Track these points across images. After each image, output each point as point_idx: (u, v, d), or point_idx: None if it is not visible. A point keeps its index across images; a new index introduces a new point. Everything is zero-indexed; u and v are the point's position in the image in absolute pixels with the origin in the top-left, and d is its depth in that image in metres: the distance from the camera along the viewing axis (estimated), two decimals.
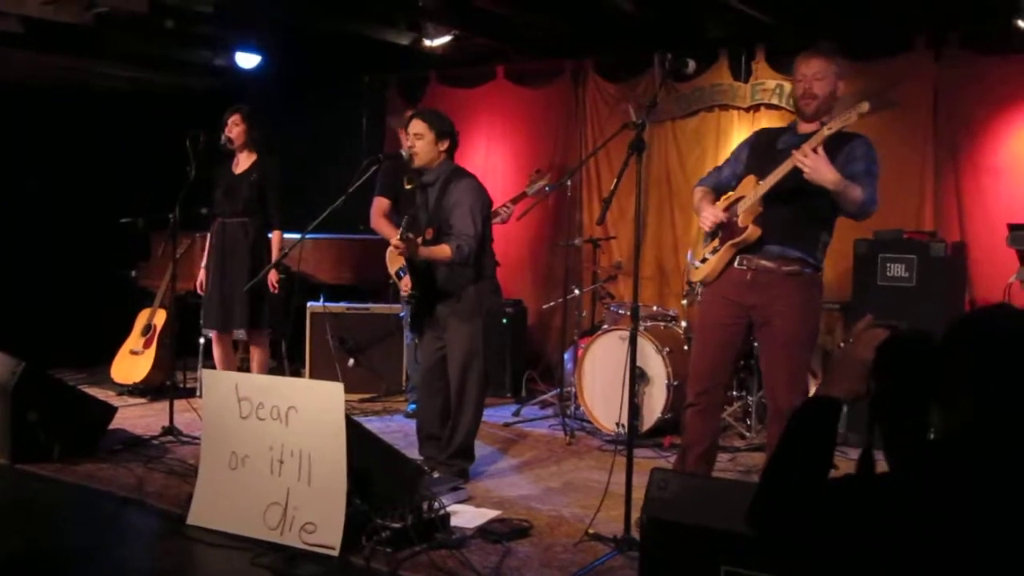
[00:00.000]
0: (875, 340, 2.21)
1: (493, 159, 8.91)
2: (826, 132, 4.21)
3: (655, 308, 7.19)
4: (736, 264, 4.55)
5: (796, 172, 4.25)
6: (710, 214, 4.61)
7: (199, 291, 6.79)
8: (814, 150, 4.17)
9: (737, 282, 4.54)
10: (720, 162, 5.01)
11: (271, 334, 7.05)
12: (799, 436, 2.25)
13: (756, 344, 4.87)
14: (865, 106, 4.15)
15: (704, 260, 4.68)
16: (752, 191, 4.48)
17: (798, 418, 2.29)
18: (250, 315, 6.54)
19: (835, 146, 4.31)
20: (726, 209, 4.60)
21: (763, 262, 4.49)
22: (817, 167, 4.17)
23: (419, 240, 5.15)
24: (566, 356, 7.39)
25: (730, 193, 4.69)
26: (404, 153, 5.30)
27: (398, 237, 4.99)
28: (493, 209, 6.51)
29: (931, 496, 1.94)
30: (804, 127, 4.53)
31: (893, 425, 2.16)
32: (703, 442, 4.67)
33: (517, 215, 7.31)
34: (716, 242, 4.62)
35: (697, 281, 4.79)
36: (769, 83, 7.62)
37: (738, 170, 4.73)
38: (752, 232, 4.45)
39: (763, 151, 4.63)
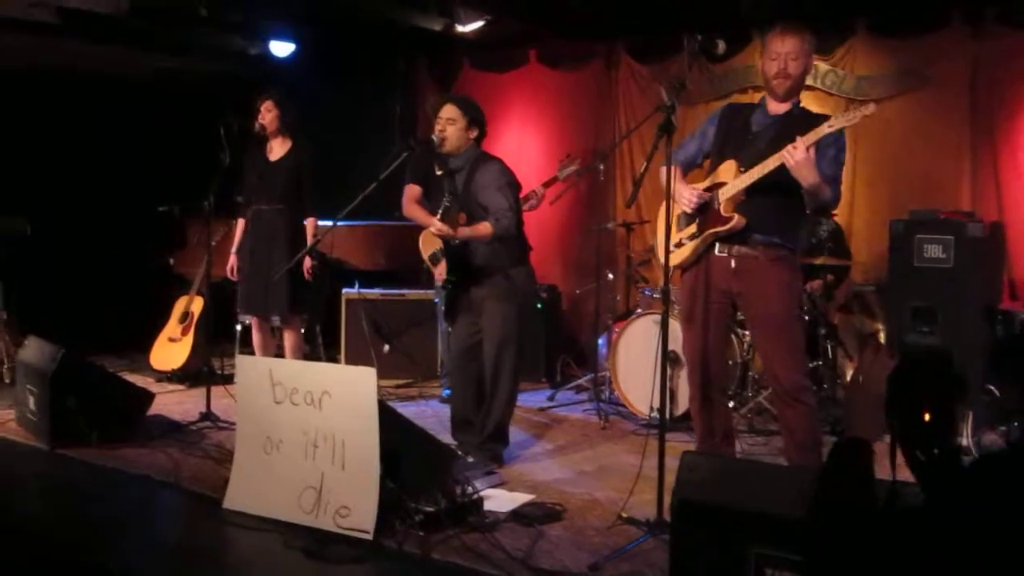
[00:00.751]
0: (885, 373, 2.19)
1: (526, 143, 8.90)
2: (827, 130, 4.17)
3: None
4: (716, 251, 4.54)
5: (783, 165, 4.25)
6: (693, 195, 4.55)
7: (230, 276, 6.82)
8: (807, 148, 4.16)
9: (721, 268, 4.55)
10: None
11: (306, 320, 7.09)
12: (836, 477, 2.22)
13: (747, 328, 4.87)
14: (871, 107, 4.13)
15: (679, 244, 4.64)
16: (735, 179, 4.44)
17: (831, 461, 2.27)
18: (288, 301, 6.57)
19: (805, 124, 4.30)
20: (703, 193, 4.56)
21: (746, 249, 4.49)
22: (802, 167, 4.17)
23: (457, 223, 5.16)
24: (600, 341, 7.38)
25: (703, 172, 4.64)
26: (435, 138, 5.31)
27: (438, 219, 5.00)
28: (524, 194, 6.52)
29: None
30: (775, 107, 4.52)
31: (925, 454, 2.13)
32: (717, 430, 4.71)
33: (549, 199, 7.29)
34: (694, 227, 4.59)
35: (673, 266, 4.73)
36: None
37: (705, 146, 4.71)
38: (738, 222, 4.43)
39: (736, 131, 4.59)
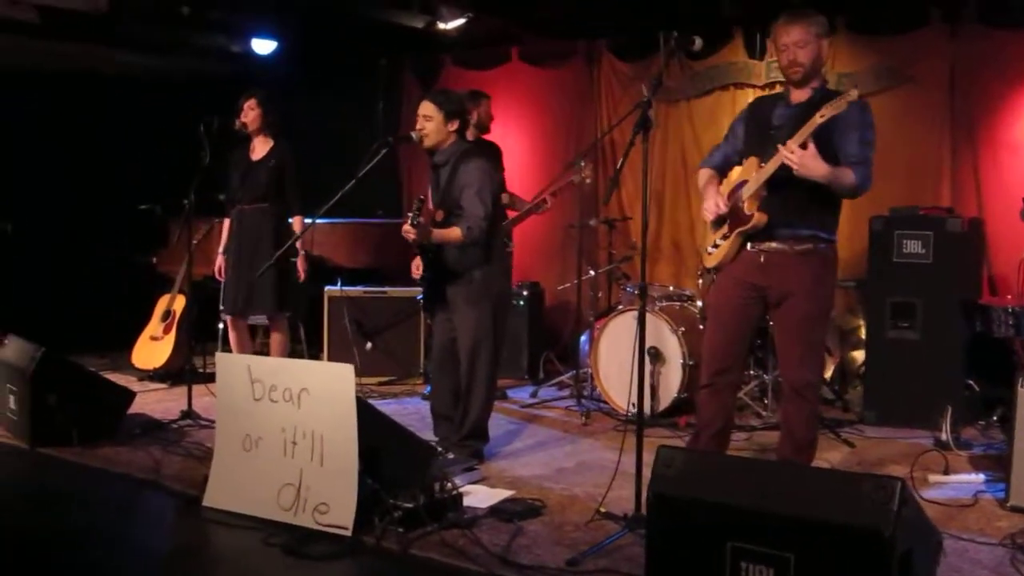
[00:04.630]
0: None
1: (508, 141, 8.86)
2: (819, 120, 4.15)
3: (671, 288, 7.19)
4: (748, 248, 4.54)
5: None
6: (711, 204, 4.58)
7: (218, 277, 6.81)
8: (802, 144, 4.15)
9: (750, 264, 4.53)
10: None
11: (289, 318, 7.08)
12: None
13: (771, 323, 4.86)
14: (854, 93, 4.13)
15: (716, 246, 4.65)
16: (754, 176, 4.44)
17: None
18: (275, 298, 6.55)
19: (826, 103, 4.25)
20: (730, 194, 4.58)
21: (775, 244, 4.46)
22: (805, 163, 4.17)
23: (429, 222, 5.16)
24: (582, 338, 7.39)
25: (735, 171, 4.67)
26: (413, 135, 5.32)
27: (408, 223, 5.00)
28: (536, 201, 6.86)
29: None
30: (796, 95, 4.51)
31: None
32: (716, 422, 4.67)
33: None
34: (725, 228, 4.59)
35: (711, 267, 4.76)
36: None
37: (738, 146, 4.71)
38: (759, 219, 4.42)
39: (759, 127, 4.59)
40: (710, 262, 4.75)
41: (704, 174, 4.79)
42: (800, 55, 4.41)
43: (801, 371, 4.49)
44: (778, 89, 7.45)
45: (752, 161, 4.53)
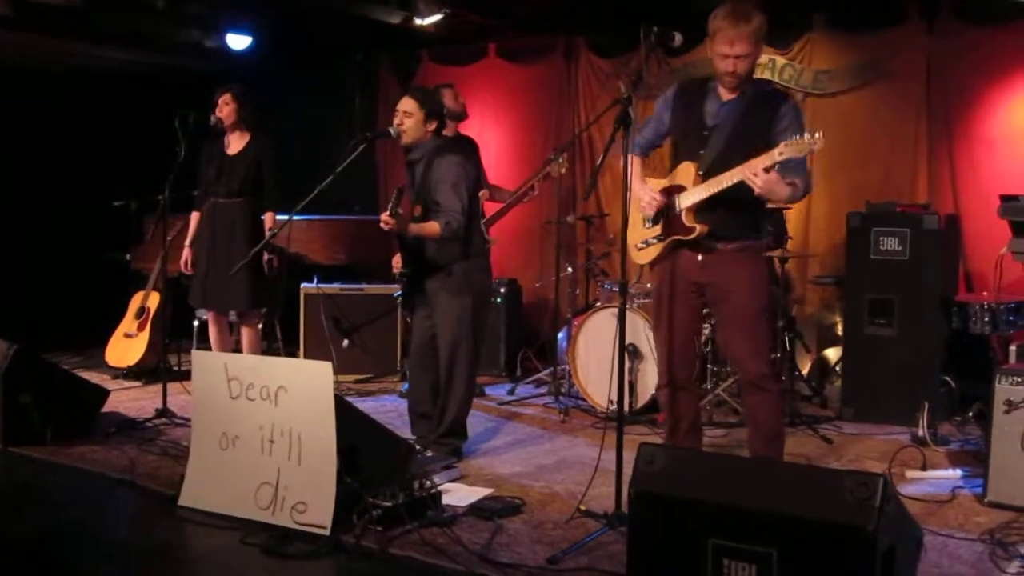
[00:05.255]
0: None
1: (486, 137, 8.84)
2: (778, 157, 4.10)
3: (648, 285, 7.16)
4: (683, 248, 4.55)
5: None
6: (651, 201, 4.54)
7: (184, 270, 6.74)
8: (765, 170, 4.13)
9: (688, 262, 4.55)
10: None
11: (264, 316, 7.03)
12: None
13: (713, 319, 4.88)
14: (820, 142, 4.04)
15: (647, 243, 4.64)
16: (694, 186, 4.41)
17: None
18: (248, 296, 6.50)
19: (761, 106, 4.33)
20: (663, 192, 4.54)
21: (710, 243, 4.48)
22: (770, 189, 4.19)
23: (409, 216, 5.14)
24: (560, 335, 7.38)
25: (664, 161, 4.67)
26: (392, 131, 5.28)
27: (387, 213, 4.96)
28: (524, 189, 6.79)
29: None
30: (726, 95, 4.47)
31: None
32: (688, 417, 4.71)
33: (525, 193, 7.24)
34: (659, 229, 4.58)
35: (641, 264, 4.76)
36: (761, 57, 7.55)
37: (662, 130, 4.68)
38: (702, 231, 4.43)
39: (692, 123, 4.52)
40: (640, 259, 4.75)
41: (627, 160, 4.59)
42: (740, 67, 4.34)
43: (757, 364, 4.53)
44: None
45: (689, 168, 4.47)
